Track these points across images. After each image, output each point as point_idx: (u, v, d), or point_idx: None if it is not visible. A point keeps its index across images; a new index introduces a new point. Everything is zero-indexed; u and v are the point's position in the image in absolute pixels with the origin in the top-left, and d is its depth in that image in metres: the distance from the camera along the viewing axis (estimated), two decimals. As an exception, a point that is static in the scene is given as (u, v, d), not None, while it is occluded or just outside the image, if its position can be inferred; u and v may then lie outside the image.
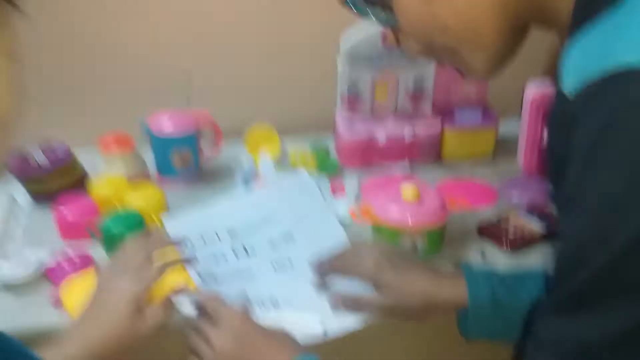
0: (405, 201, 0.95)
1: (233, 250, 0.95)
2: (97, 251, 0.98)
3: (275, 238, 0.97)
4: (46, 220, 1.04)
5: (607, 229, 0.52)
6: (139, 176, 1.15)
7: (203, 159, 1.22)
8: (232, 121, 1.27)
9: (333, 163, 1.22)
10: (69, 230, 1.02)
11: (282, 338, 0.75)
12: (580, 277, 0.54)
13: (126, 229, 0.96)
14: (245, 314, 0.77)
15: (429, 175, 1.20)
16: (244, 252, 0.96)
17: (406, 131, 1.21)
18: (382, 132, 1.21)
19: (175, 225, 0.94)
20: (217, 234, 0.97)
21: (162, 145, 1.15)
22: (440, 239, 0.98)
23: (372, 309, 0.82)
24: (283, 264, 0.94)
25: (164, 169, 1.18)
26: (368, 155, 1.22)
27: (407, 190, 0.95)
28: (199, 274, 0.89)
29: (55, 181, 1.11)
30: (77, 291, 0.87)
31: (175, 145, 1.15)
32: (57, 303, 0.87)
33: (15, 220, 1.10)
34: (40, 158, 1.12)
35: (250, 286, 0.90)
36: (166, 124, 1.15)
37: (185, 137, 1.15)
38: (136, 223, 0.97)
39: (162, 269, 0.79)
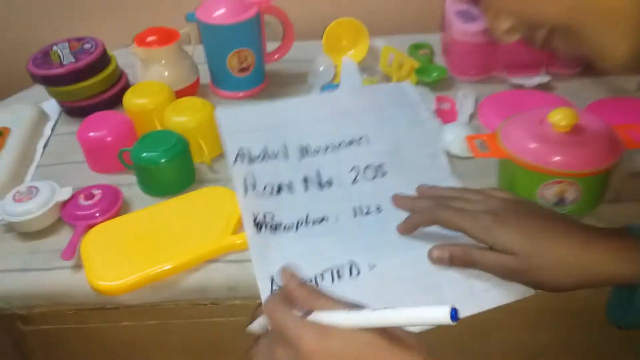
0: (555, 131, 0.65)
1: (304, 178, 0.72)
2: (132, 188, 0.75)
3: (361, 170, 0.73)
4: (74, 142, 0.81)
5: None
6: (187, 82, 0.89)
7: (268, 61, 0.95)
8: (306, 19, 0.98)
9: (440, 71, 0.92)
10: (97, 157, 0.78)
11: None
12: None
13: (163, 156, 0.71)
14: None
15: (576, 91, 0.88)
16: (316, 182, 0.72)
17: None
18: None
19: (229, 119, 0.75)
20: (285, 147, 0.74)
21: (214, 41, 0.88)
22: (601, 190, 0.68)
23: (491, 269, 0.59)
24: (367, 210, 0.69)
25: (218, 74, 0.91)
26: (489, 62, 0.91)
27: (558, 115, 0.65)
28: (253, 210, 0.67)
29: (87, 87, 0.87)
30: (98, 243, 0.65)
31: (231, 41, 0.87)
32: (70, 255, 0.65)
33: (39, 140, 0.87)
34: (66, 55, 0.87)
35: (321, 235, 0.66)
36: (220, 14, 0.87)
37: (245, 29, 0.87)
38: (177, 150, 0.72)
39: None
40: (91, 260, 0.64)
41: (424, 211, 0.64)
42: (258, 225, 0.66)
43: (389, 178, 0.73)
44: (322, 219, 0.68)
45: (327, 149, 0.75)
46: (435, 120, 0.78)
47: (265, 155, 0.73)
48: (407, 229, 0.65)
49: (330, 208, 0.69)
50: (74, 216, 0.69)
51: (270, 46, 0.94)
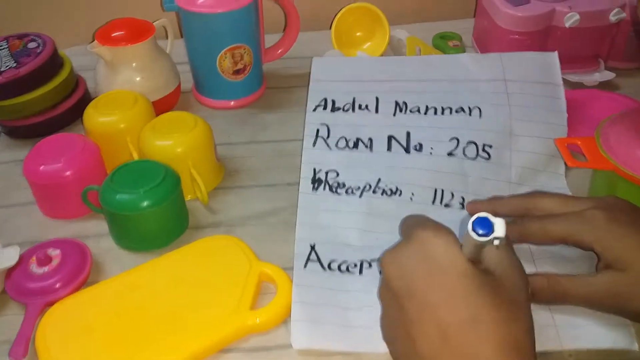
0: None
1: (390, 137, 0.60)
2: (103, 241, 0.56)
3: (462, 144, 0.60)
4: (20, 176, 0.60)
5: None
6: (166, 90, 0.70)
7: (267, 59, 0.76)
8: (312, 4, 0.79)
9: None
10: (52, 199, 0.58)
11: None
12: None
13: (145, 199, 0.52)
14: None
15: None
16: (404, 144, 0.60)
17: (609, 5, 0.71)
18: (568, 9, 0.71)
19: (323, 68, 0.65)
20: (377, 100, 0.63)
21: (200, 35, 0.68)
22: None
23: (586, 297, 0.46)
24: (449, 201, 0.57)
25: (205, 78, 0.72)
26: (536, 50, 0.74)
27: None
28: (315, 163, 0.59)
29: (33, 99, 0.66)
30: (61, 329, 0.46)
31: (223, 35, 0.67)
32: (20, 353, 0.45)
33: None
34: (4, 58, 0.66)
35: (385, 213, 0.55)
36: (207, 0, 0.67)
37: (242, 19, 0.67)
38: (164, 188, 0.53)
39: None
40: (53, 356, 0.45)
41: (509, 224, 0.48)
42: (316, 182, 0.58)
43: (490, 167, 0.58)
44: (395, 191, 0.57)
45: (427, 110, 0.61)
46: (565, 114, 0.62)
47: (352, 106, 0.63)
48: None
49: (410, 179, 0.57)
50: (25, 291, 0.49)
51: (268, 40, 0.75)
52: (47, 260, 0.50)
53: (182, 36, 0.72)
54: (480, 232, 0.35)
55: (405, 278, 0.39)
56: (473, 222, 0.35)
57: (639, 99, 0.69)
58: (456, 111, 0.61)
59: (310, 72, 0.75)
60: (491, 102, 0.62)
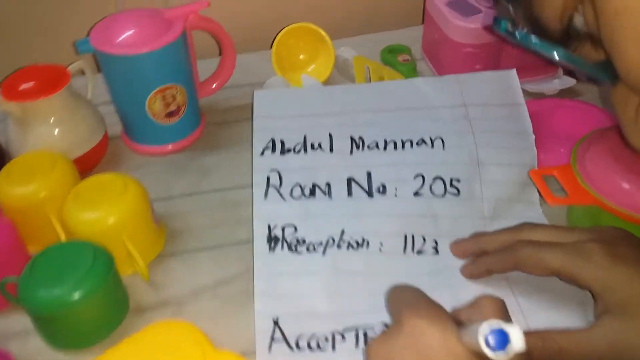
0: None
1: (349, 179, 0.54)
2: (29, 341, 0.48)
3: (428, 181, 0.54)
4: None
5: None
6: (91, 142, 0.61)
7: (203, 94, 0.68)
8: (244, 26, 0.72)
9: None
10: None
11: None
12: None
13: (75, 290, 0.44)
14: None
15: (608, 95, 0.69)
16: (365, 187, 0.54)
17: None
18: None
19: (265, 103, 0.59)
20: (331, 137, 0.57)
21: (124, 78, 0.60)
22: None
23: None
24: (421, 247, 0.52)
25: (135, 123, 0.64)
26: (494, 66, 0.69)
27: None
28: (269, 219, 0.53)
29: None
30: None
31: (150, 77, 0.60)
32: None
33: None
34: None
35: (354, 272, 0.50)
36: (127, 39, 0.59)
37: (170, 56, 0.60)
38: (97, 274, 0.45)
39: None
40: None
41: (501, 252, 0.46)
42: (272, 241, 0.51)
43: (461, 203, 0.53)
44: (362, 243, 0.51)
45: (386, 145, 0.55)
46: (532, 136, 0.57)
47: (303, 146, 0.56)
48: (476, 272, 0.48)
49: (376, 227, 0.52)
50: None
51: (202, 67, 0.67)
52: (-39, 381, 0.42)
53: (102, 73, 0.63)
54: (492, 343, 0.29)
55: None
56: (485, 335, 0.29)
57: (601, 106, 0.65)
58: (417, 144, 0.56)
59: (251, 104, 0.68)
60: (453, 130, 0.56)
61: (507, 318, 0.37)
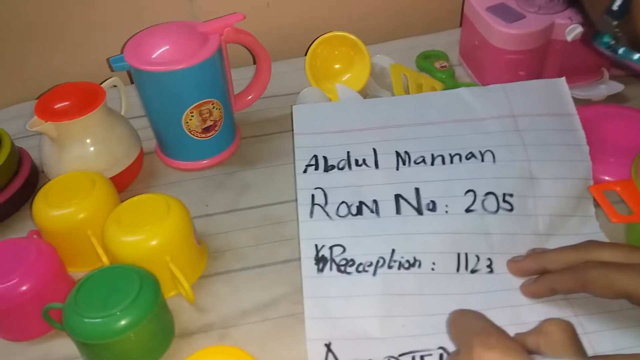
0: None
1: (397, 196, 0.52)
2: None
3: (480, 196, 0.52)
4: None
5: None
6: (127, 160, 0.60)
7: (238, 107, 0.67)
8: (276, 37, 0.70)
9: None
10: (5, 321, 0.48)
11: None
12: None
13: (123, 318, 0.43)
14: None
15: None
16: (414, 204, 0.52)
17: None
18: (569, 21, 0.63)
19: (306, 118, 0.58)
20: (375, 152, 0.55)
21: (160, 95, 0.59)
22: None
23: None
24: (475, 266, 0.50)
25: (171, 139, 0.63)
26: (539, 71, 0.67)
27: None
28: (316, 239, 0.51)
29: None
30: None
31: (187, 93, 0.58)
32: None
33: None
34: None
35: (407, 291, 0.48)
36: (163, 55, 0.58)
37: (206, 72, 0.58)
38: (144, 301, 0.44)
39: None
40: None
41: (568, 271, 0.44)
42: (320, 262, 0.49)
43: (515, 219, 0.51)
44: (414, 263, 0.49)
45: (434, 160, 0.53)
46: (586, 147, 0.55)
47: (347, 163, 0.54)
48: (540, 291, 0.46)
49: (428, 246, 0.50)
50: None
51: (235, 77, 0.66)
52: (9, 414, 0.41)
53: (137, 89, 0.62)
54: None
55: None
56: None
57: (652, 110, 0.63)
58: (466, 158, 0.54)
59: (286, 115, 0.67)
60: (503, 143, 0.54)
61: (577, 343, 0.35)
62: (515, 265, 0.49)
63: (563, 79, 0.57)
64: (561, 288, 0.45)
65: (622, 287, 0.41)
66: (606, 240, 0.51)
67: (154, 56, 0.57)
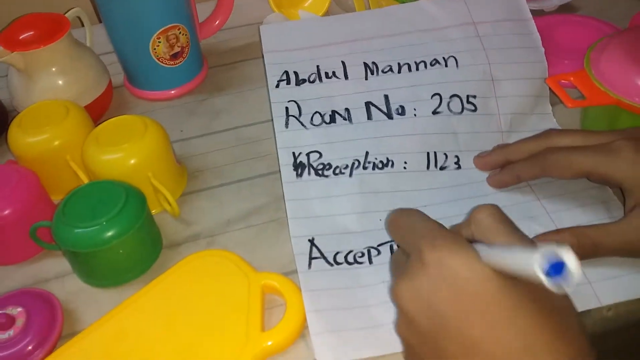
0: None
1: (367, 103, 0.55)
2: (67, 282, 0.48)
3: (445, 99, 0.55)
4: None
5: None
6: (96, 91, 0.60)
7: (204, 35, 0.67)
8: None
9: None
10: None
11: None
12: None
13: (111, 229, 0.44)
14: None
15: (603, 7, 0.70)
16: (384, 109, 0.55)
17: None
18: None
19: (273, 36, 0.58)
20: (344, 64, 0.57)
21: (125, 20, 0.59)
22: None
23: (619, 246, 0.43)
24: (444, 163, 0.53)
25: (138, 69, 0.63)
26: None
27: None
28: (293, 147, 0.53)
29: None
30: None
31: (154, 16, 0.58)
32: None
33: None
34: None
35: (381, 189, 0.51)
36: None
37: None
38: (130, 212, 0.45)
39: None
40: None
41: (530, 158, 0.47)
42: (299, 168, 0.52)
43: (478, 118, 0.54)
44: (387, 163, 0.52)
45: (400, 68, 0.56)
46: (542, 49, 0.58)
47: (317, 76, 0.56)
48: (505, 180, 0.49)
49: (399, 147, 0.53)
50: (-10, 364, 0.41)
51: (199, 10, 0.66)
52: (10, 322, 0.42)
53: (100, 22, 0.62)
54: (549, 272, 0.27)
55: (433, 314, 0.33)
56: (544, 269, 0.27)
57: (601, 18, 0.66)
58: (431, 64, 0.56)
59: (254, 42, 0.68)
60: (465, 48, 0.57)
61: (507, 225, 0.35)
62: (482, 160, 0.52)
63: None
64: (525, 174, 0.48)
65: (581, 166, 0.44)
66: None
67: (117, -18, 0.57)
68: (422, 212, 0.39)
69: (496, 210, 0.36)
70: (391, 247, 0.47)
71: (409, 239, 0.36)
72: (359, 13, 0.63)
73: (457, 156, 0.53)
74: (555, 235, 0.43)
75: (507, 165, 0.50)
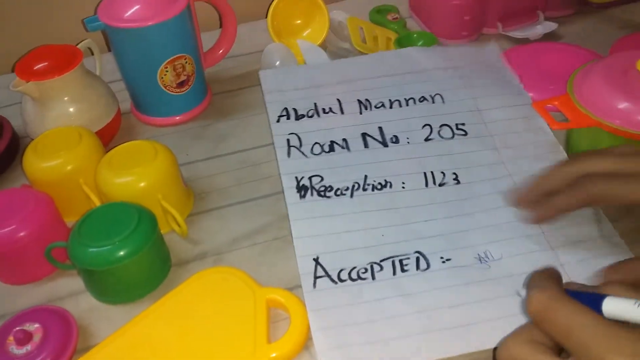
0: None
1: (363, 134, 0.59)
2: (81, 300, 0.50)
3: (436, 128, 0.60)
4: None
5: None
6: (106, 118, 0.63)
7: (208, 63, 0.71)
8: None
9: (426, 38, 0.72)
10: (10, 265, 0.51)
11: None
12: None
13: (124, 248, 0.47)
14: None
15: (587, 35, 0.74)
16: (379, 139, 0.59)
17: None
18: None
19: (272, 79, 0.65)
20: (340, 102, 0.63)
21: (134, 52, 0.62)
22: None
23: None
24: (442, 180, 0.56)
25: (146, 96, 0.66)
26: (481, 18, 0.73)
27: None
28: (296, 172, 0.57)
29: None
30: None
31: (161, 48, 0.62)
32: None
33: None
34: None
35: (382, 207, 0.54)
36: (136, 13, 0.61)
37: (178, 26, 0.62)
38: (143, 232, 0.48)
39: None
40: None
41: (572, 188, 0.44)
42: (302, 190, 0.55)
43: (471, 140, 0.58)
44: (385, 184, 0.55)
45: (392, 104, 0.61)
46: (521, 85, 0.64)
47: (315, 112, 0.62)
48: (549, 216, 0.47)
49: (396, 170, 0.56)
50: (9, 378, 0.43)
51: (203, 40, 0.70)
52: (28, 337, 0.44)
53: (109, 50, 0.65)
54: None
55: None
56: None
57: (584, 45, 0.70)
58: (420, 100, 0.62)
59: (255, 70, 0.72)
60: (449, 87, 0.63)
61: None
62: (520, 200, 0.49)
63: (495, 45, 0.69)
64: (568, 208, 0.46)
65: (633, 194, 0.42)
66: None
67: (127, 15, 0.60)
68: (567, 292, 0.34)
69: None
70: (393, 262, 0.49)
71: (580, 341, 0.32)
72: (352, 59, 0.69)
73: (455, 173, 0.56)
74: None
75: (548, 199, 0.47)
